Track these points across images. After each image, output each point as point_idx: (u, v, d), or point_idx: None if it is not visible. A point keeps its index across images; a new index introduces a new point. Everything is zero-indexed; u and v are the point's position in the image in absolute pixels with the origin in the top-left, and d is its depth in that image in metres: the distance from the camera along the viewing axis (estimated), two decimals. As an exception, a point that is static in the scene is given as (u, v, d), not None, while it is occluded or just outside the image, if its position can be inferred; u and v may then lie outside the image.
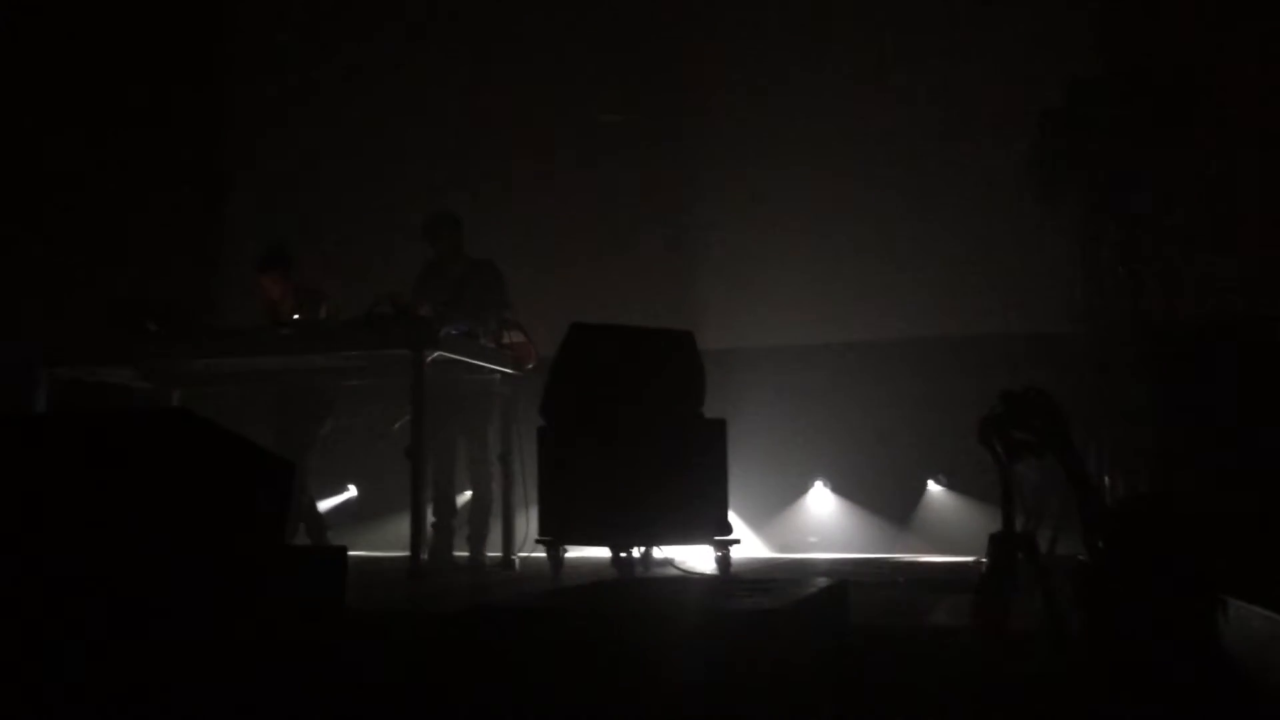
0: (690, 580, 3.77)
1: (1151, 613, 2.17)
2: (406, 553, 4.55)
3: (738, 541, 4.34)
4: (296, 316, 5.29)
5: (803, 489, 6.37)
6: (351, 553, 2.59)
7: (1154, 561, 2.22)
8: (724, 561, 4.24)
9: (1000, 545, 2.42)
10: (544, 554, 4.36)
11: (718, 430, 4.20)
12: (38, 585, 1.88)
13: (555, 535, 4.18)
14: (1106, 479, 4.53)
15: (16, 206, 5.92)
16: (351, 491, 6.72)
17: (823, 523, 6.33)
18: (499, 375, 5.21)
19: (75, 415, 2.15)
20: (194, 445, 1.95)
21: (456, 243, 5.53)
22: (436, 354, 4.55)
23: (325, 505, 6.03)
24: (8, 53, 6.04)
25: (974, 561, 4.65)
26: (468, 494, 5.52)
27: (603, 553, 4.18)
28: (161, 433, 1.95)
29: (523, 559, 5.21)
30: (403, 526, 5.74)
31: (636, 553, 4.19)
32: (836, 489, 6.34)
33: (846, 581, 3.01)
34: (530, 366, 5.27)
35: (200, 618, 1.90)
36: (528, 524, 4.83)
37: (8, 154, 5.94)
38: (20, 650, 1.87)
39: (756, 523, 6.26)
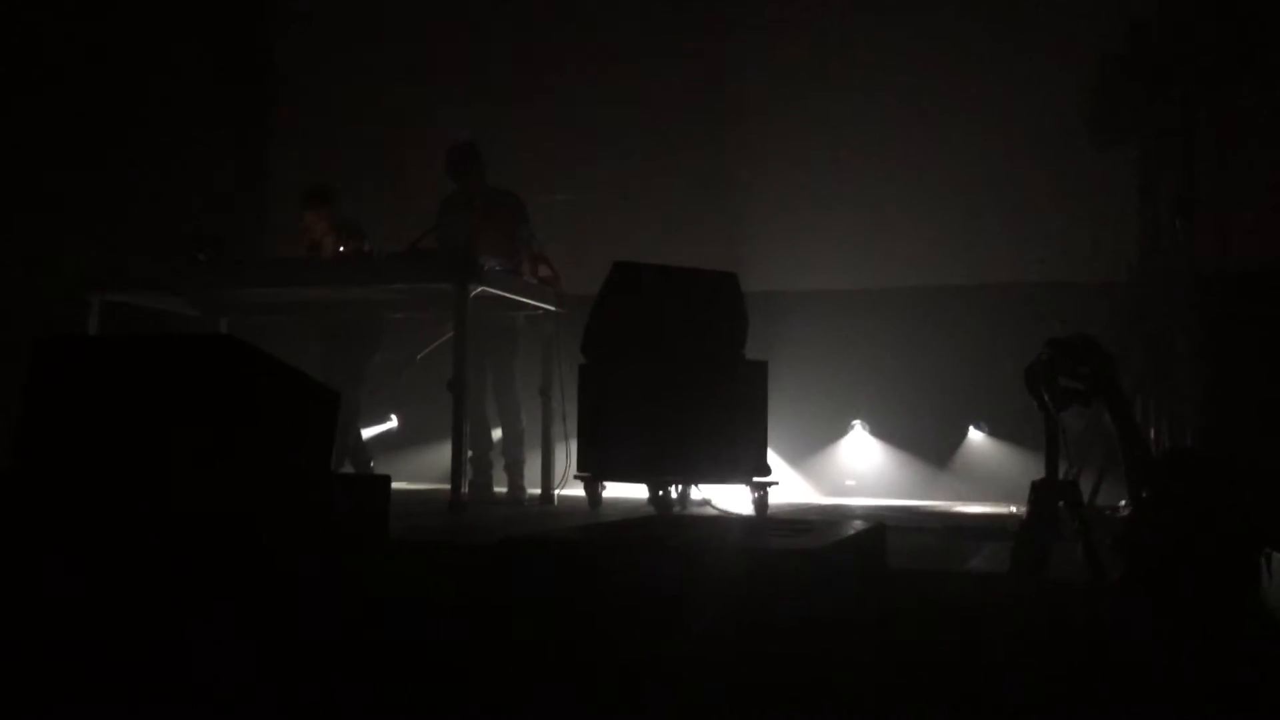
0: (726, 519, 3.79)
1: (1194, 563, 2.15)
2: (445, 485, 4.60)
3: (776, 483, 4.36)
4: (341, 249, 5.33)
5: (841, 431, 6.36)
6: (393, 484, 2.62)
7: (1198, 512, 2.20)
8: (761, 503, 4.26)
9: (1043, 492, 2.40)
10: (583, 490, 4.41)
11: (759, 372, 4.19)
12: (87, 500, 1.93)
13: (594, 471, 4.21)
14: (1152, 430, 4.48)
15: (70, 136, 5.97)
16: (393, 421, 6.80)
17: (860, 466, 6.32)
18: (524, 310, 5.22)
19: (125, 338, 2.18)
20: (241, 371, 1.98)
21: (479, 174, 5.51)
22: (480, 289, 4.56)
23: (366, 434, 6.11)
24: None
25: (1011, 513, 4.63)
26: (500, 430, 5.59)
27: (641, 490, 4.22)
28: (209, 357, 1.98)
29: (561, 495, 5.26)
30: (438, 457, 5.82)
31: (674, 491, 4.22)
32: (875, 432, 6.32)
33: (883, 525, 3.01)
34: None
35: (248, 543, 1.94)
36: (567, 460, 4.87)
37: (60, 84, 5.98)
38: (67, 570, 1.92)
39: (794, 465, 6.26)
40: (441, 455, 5.31)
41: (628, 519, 3.29)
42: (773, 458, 4.39)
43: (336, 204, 5.56)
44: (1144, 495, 2.31)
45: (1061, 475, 2.45)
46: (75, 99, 6.02)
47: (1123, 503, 3.97)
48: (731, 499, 4.42)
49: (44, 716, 1.56)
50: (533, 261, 5.28)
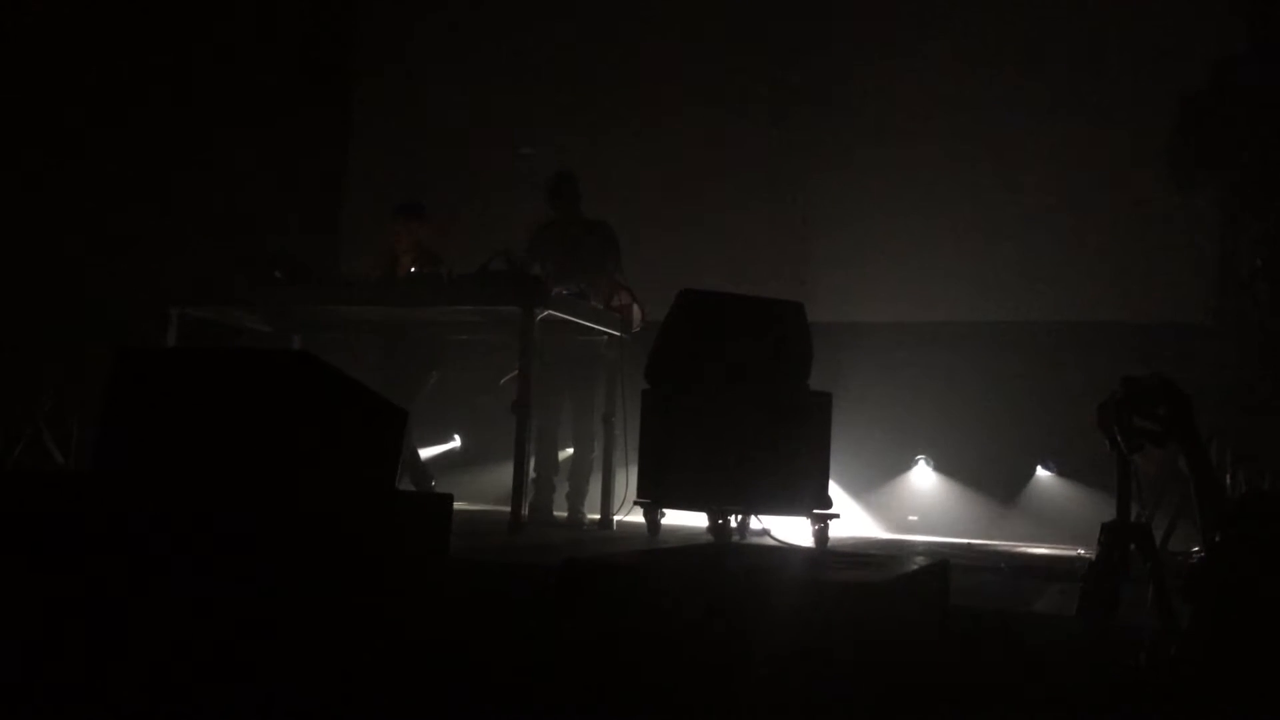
0: (786, 550, 3.76)
1: (1268, 613, 2.08)
2: (504, 506, 4.62)
3: (837, 516, 4.31)
4: (414, 270, 5.43)
5: (905, 466, 6.28)
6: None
7: (1273, 556, 2.13)
8: (821, 535, 4.22)
9: (1113, 534, 2.35)
10: (641, 517, 4.41)
11: (823, 403, 4.16)
12: (167, 501, 1.98)
13: (654, 498, 4.20)
14: (1229, 475, 4.36)
15: (152, 157, 6.17)
16: (456, 442, 6.87)
17: (924, 501, 6.23)
18: (605, 337, 5.26)
19: (204, 351, 2.25)
20: (317, 387, 2.02)
21: (574, 203, 5.59)
22: (546, 313, 4.61)
23: (428, 453, 6.18)
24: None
25: (1079, 555, 4.53)
26: (569, 451, 5.61)
27: (700, 519, 4.20)
28: (286, 372, 2.02)
29: (620, 521, 5.26)
30: (498, 478, 5.85)
31: (734, 521, 4.19)
32: (939, 468, 6.23)
33: (947, 562, 2.96)
34: (636, 330, 5.30)
35: (320, 554, 1.97)
36: (627, 486, 4.88)
37: (142, 107, 6.18)
38: (144, 571, 1.97)
39: (856, 498, 6.20)
40: (502, 476, 5.35)
41: (688, 546, 3.28)
42: (834, 490, 4.35)
43: (425, 225, 5.69)
44: (1217, 539, 2.25)
45: (1133, 517, 2.39)
46: (157, 121, 6.22)
47: (1195, 548, 3.86)
48: (791, 530, 4.39)
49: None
50: (611, 290, 5.33)
